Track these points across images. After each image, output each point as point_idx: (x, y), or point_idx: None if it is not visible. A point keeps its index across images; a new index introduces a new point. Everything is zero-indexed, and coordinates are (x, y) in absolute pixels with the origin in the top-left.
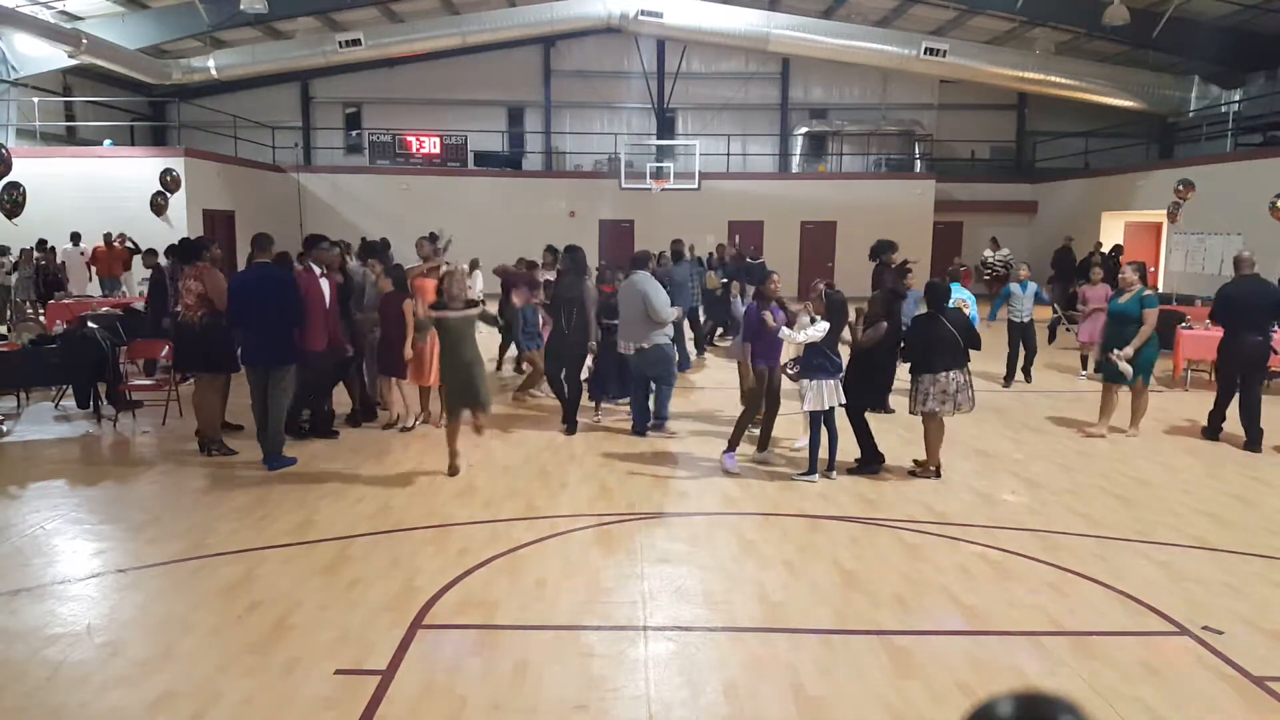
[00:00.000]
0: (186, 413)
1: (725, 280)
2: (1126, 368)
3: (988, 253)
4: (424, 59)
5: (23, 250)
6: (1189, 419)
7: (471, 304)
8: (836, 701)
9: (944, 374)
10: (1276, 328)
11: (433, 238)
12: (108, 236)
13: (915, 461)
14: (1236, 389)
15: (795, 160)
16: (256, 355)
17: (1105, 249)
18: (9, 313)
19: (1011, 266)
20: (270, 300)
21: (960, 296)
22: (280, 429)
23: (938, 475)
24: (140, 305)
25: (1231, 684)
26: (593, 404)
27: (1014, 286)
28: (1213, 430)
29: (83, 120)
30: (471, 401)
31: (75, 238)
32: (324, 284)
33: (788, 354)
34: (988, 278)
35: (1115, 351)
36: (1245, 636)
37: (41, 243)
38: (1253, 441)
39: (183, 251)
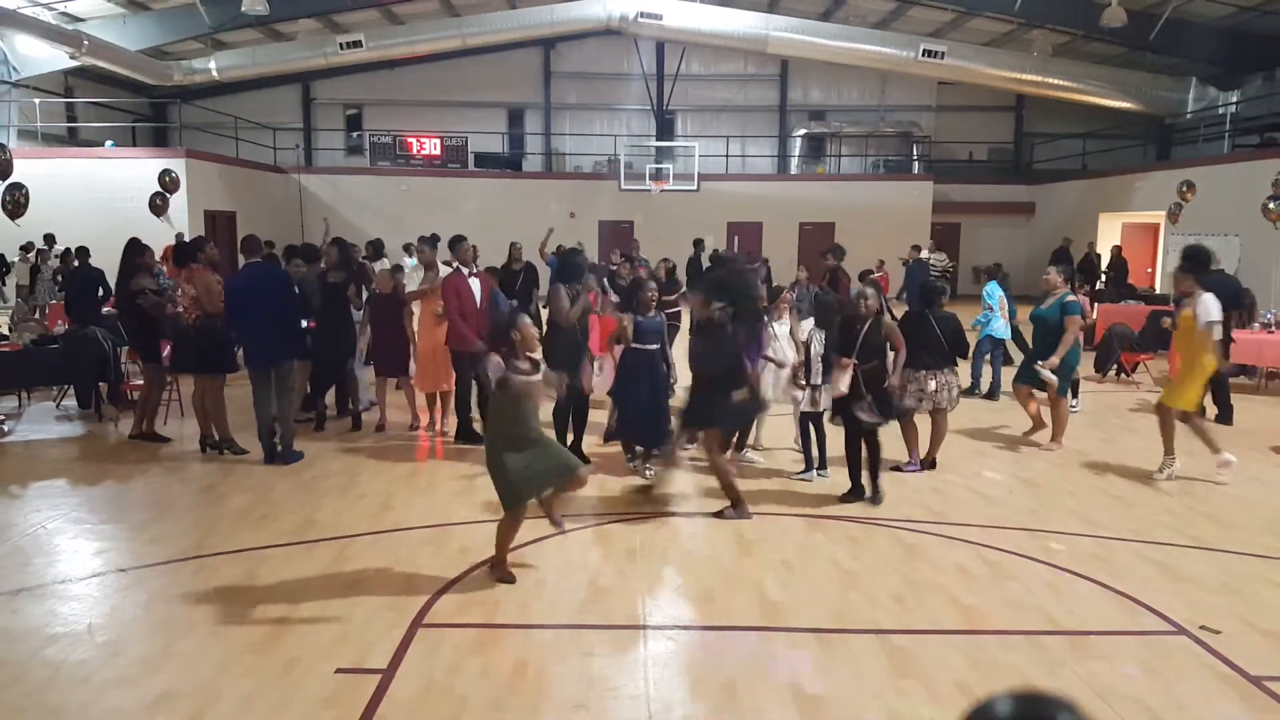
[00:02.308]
0: (188, 413)
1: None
2: (1050, 377)
3: (924, 254)
4: (425, 60)
5: (40, 251)
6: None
7: (536, 363)
8: (835, 701)
9: (924, 372)
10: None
11: (433, 240)
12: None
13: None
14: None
15: (794, 162)
16: (261, 354)
17: (1099, 250)
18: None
19: (949, 274)
20: (270, 299)
21: (1002, 294)
22: (291, 425)
23: (932, 467)
24: None
25: (1229, 684)
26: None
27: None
28: (1225, 415)
29: (84, 121)
30: (558, 476)
31: (49, 239)
32: (474, 283)
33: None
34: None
35: (1040, 362)
36: (1243, 636)
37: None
38: (1225, 416)
39: (177, 253)
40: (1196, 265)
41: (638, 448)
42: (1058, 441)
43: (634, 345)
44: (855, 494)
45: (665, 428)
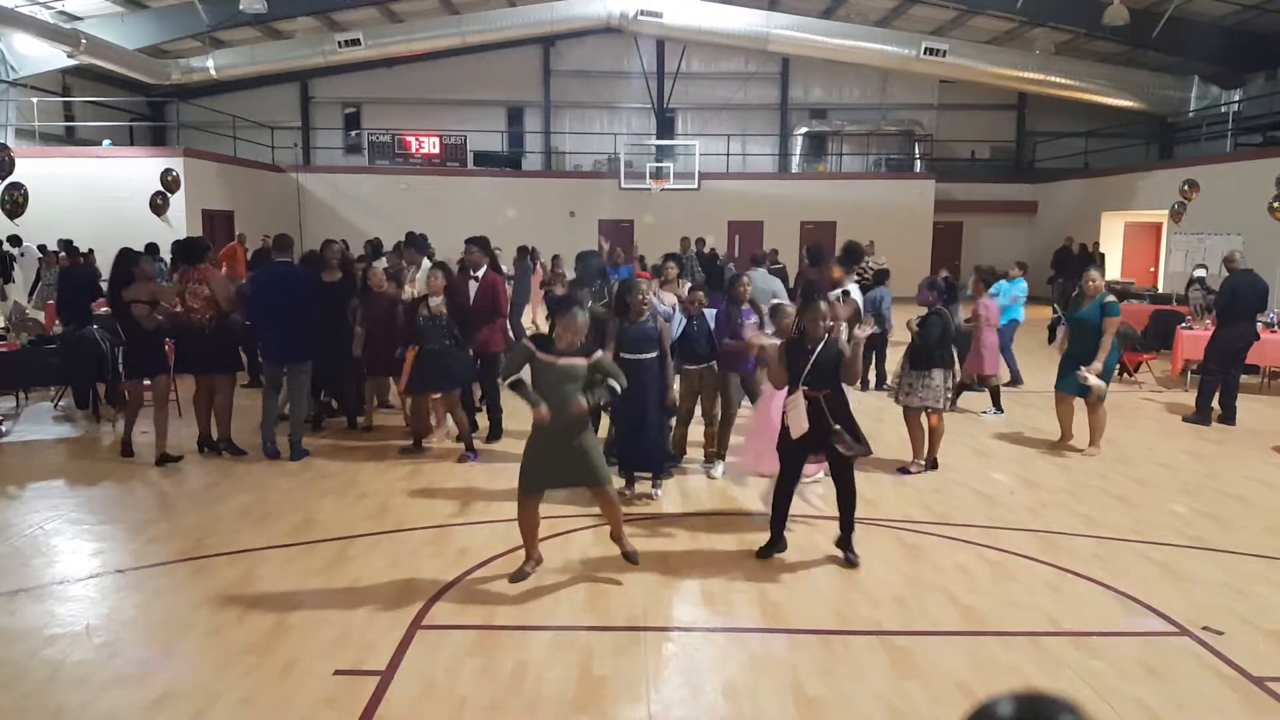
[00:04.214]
0: (187, 414)
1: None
2: (1098, 384)
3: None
4: (423, 59)
5: (43, 253)
6: (1188, 418)
7: (586, 350)
8: (836, 701)
9: (939, 370)
10: (1275, 321)
11: (418, 241)
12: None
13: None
14: (1227, 375)
15: (795, 160)
16: (280, 352)
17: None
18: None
19: (884, 278)
20: (290, 298)
21: (1016, 291)
22: (302, 423)
23: (934, 467)
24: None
25: (1231, 684)
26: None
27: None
28: (1204, 415)
29: (82, 120)
30: (574, 478)
31: (15, 240)
32: (472, 285)
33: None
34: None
35: (1082, 369)
36: (1245, 637)
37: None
38: (1229, 416)
39: (186, 253)
40: (850, 259)
41: (636, 473)
42: (1096, 445)
43: (623, 355)
44: (775, 546)
45: (666, 448)
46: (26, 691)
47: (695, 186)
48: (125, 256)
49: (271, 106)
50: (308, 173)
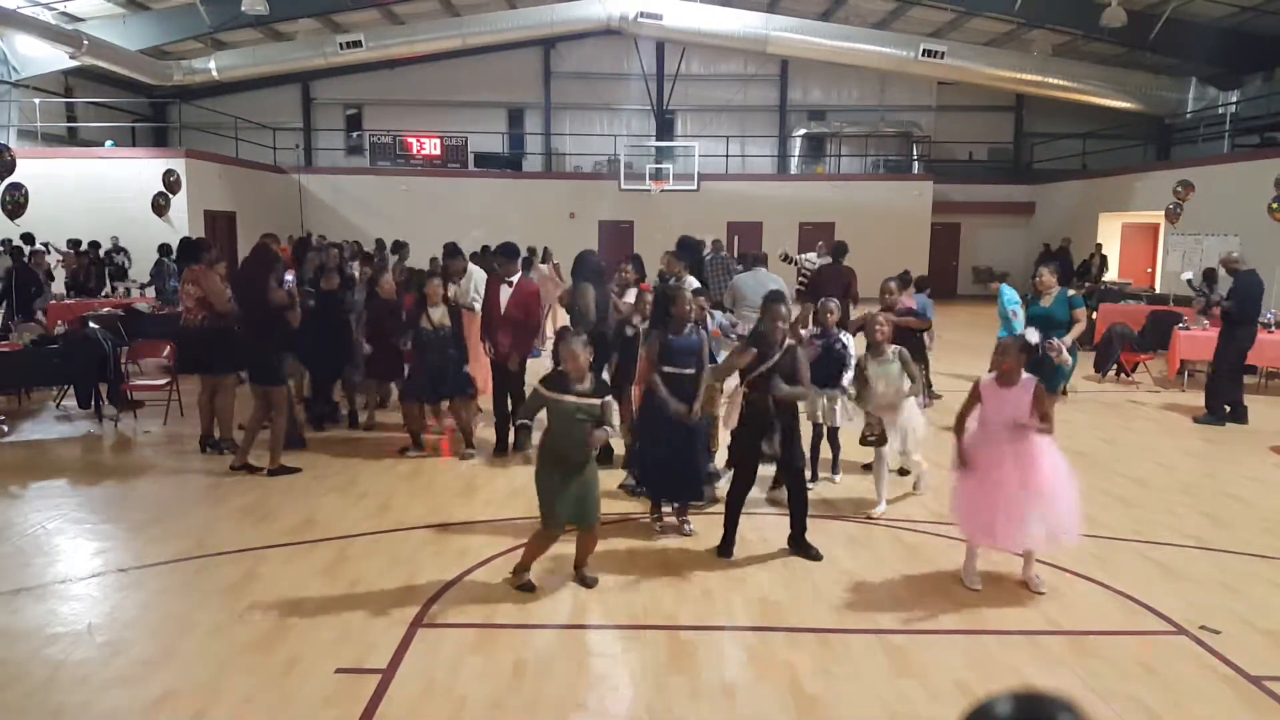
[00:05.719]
0: (188, 413)
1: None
2: (1066, 357)
3: (807, 256)
4: (424, 60)
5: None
6: (1188, 419)
7: (600, 390)
8: (835, 700)
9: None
10: (1273, 321)
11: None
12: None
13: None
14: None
15: (794, 162)
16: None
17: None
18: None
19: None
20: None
21: (1012, 301)
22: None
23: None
24: (144, 306)
25: (1229, 684)
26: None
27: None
28: (1237, 413)
29: (84, 121)
30: (578, 518)
31: (29, 239)
32: (505, 291)
33: None
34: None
35: (1052, 340)
36: (1242, 636)
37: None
38: (1217, 415)
39: (182, 253)
40: (687, 252)
41: (665, 504)
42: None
43: (666, 369)
44: (726, 547)
45: (704, 472)
46: (28, 690)
47: (695, 188)
48: (267, 256)
49: (273, 108)
50: (309, 174)
